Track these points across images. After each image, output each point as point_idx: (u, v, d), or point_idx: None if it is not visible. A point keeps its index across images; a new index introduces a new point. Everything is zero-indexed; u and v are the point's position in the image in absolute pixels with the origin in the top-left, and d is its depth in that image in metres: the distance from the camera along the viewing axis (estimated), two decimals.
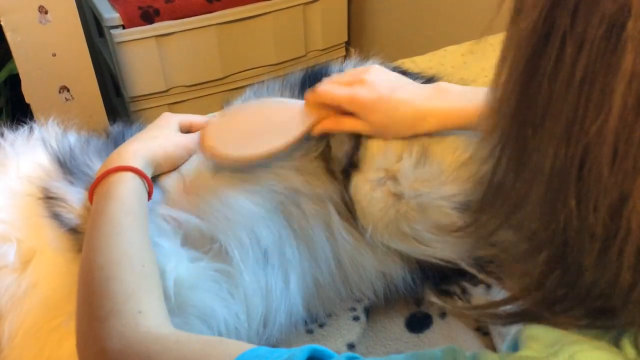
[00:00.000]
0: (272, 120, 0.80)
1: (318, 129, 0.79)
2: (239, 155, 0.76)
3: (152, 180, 0.72)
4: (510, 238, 0.42)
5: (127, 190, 0.67)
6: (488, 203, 0.42)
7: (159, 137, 0.77)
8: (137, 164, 0.70)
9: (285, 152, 0.77)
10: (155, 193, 0.73)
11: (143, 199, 0.69)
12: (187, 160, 0.79)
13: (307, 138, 0.80)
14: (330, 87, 0.78)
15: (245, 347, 0.49)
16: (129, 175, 0.69)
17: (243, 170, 0.78)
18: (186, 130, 0.84)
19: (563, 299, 0.39)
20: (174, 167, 0.78)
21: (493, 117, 0.40)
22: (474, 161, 0.45)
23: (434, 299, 0.82)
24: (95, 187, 0.69)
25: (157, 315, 0.57)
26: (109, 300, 0.57)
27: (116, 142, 0.79)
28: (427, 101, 0.75)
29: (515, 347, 0.42)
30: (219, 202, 0.75)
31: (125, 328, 0.54)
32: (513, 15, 0.38)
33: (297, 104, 0.81)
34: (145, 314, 0.56)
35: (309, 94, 0.79)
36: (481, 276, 0.81)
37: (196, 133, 0.82)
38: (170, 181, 0.77)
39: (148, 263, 0.62)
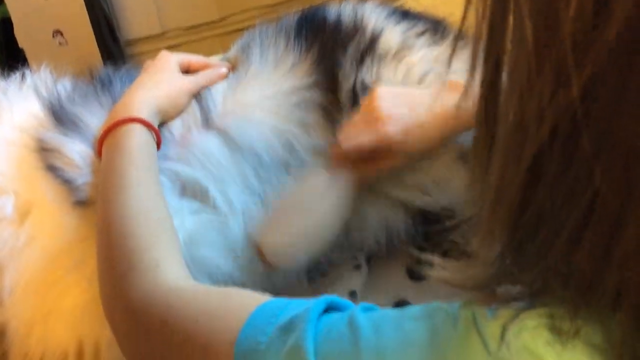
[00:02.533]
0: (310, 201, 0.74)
1: (359, 186, 0.74)
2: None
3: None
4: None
5: (135, 143, 0.66)
6: None
7: (162, 83, 0.75)
8: (144, 114, 0.69)
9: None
10: None
11: (152, 150, 0.68)
12: (189, 103, 0.77)
13: None
14: (353, 138, 0.72)
15: (262, 299, 0.49)
16: (137, 126, 0.67)
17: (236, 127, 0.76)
18: (185, 70, 0.81)
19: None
20: (179, 113, 0.76)
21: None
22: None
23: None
24: (103, 140, 0.68)
25: (175, 267, 0.57)
26: (126, 256, 0.57)
27: (102, 85, 0.77)
28: (443, 106, 0.69)
29: None
30: (212, 155, 0.73)
31: (144, 282, 0.55)
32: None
33: (321, 173, 0.74)
34: (163, 267, 0.56)
35: (334, 148, 0.74)
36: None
37: (197, 74, 0.80)
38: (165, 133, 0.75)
39: (163, 216, 0.62)
